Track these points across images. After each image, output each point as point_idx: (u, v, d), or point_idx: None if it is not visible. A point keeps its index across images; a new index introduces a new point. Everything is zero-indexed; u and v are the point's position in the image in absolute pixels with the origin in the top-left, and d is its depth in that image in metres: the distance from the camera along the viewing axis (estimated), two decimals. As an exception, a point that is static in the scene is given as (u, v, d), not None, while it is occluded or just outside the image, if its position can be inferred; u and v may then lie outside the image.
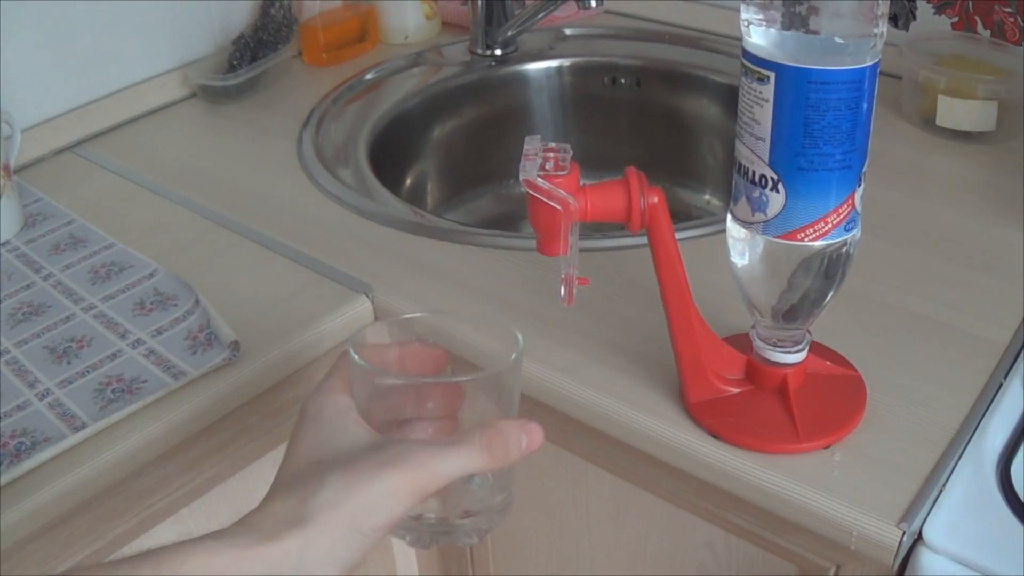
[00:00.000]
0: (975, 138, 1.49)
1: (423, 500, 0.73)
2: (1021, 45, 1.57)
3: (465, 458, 0.73)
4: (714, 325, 0.99)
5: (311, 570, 0.69)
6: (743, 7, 0.83)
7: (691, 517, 1.12)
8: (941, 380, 1.05)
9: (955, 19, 1.62)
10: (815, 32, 0.80)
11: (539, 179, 0.85)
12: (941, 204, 1.35)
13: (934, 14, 1.64)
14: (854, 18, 0.80)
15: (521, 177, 0.85)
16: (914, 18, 1.64)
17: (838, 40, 0.80)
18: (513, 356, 0.80)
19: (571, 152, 0.88)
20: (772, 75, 0.82)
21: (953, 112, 1.48)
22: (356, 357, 0.78)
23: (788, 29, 0.81)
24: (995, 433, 0.99)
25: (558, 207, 0.86)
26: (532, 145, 0.88)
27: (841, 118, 0.81)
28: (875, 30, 0.80)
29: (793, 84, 0.81)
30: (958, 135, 1.49)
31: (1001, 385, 1.04)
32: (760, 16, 0.82)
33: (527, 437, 0.77)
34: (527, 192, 0.86)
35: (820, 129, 0.81)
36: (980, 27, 1.61)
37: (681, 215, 1.80)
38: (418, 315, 0.87)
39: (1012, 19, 1.57)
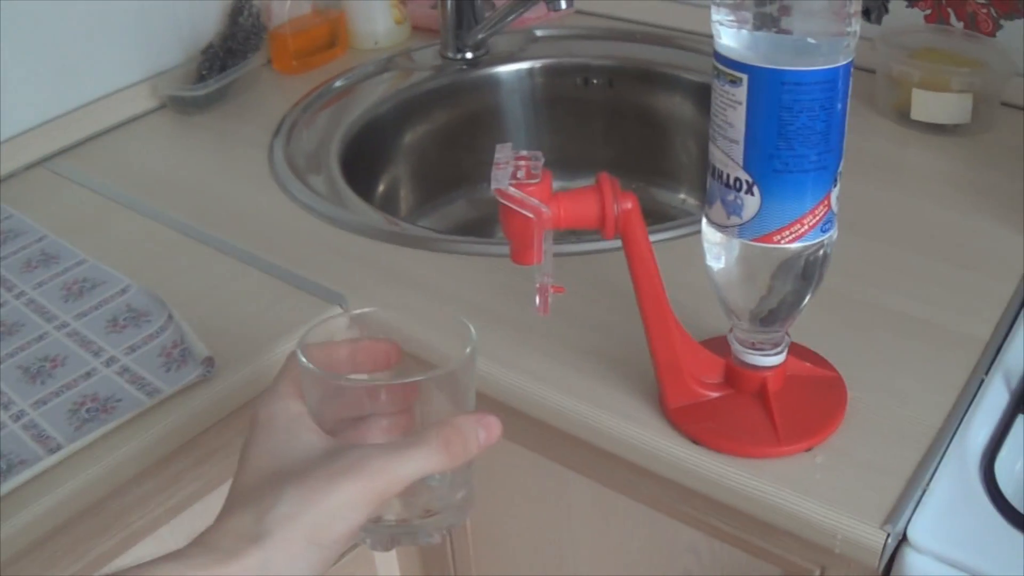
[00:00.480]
0: (950, 131, 1.49)
1: (382, 505, 0.72)
2: (995, 36, 1.57)
3: (423, 459, 0.72)
4: (691, 328, 0.99)
5: None
6: (713, 8, 0.82)
7: (673, 522, 1.11)
8: (922, 378, 1.05)
9: (928, 11, 1.62)
10: (787, 32, 0.80)
11: (511, 188, 0.85)
12: (917, 198, 1.34)
13: (907, 7, 1.64)
14: (826, 17, 0.79)
15: (492, 186, 0.84)
16: (886, 11, 1.64)
17: (810, 40, 0.80)
18: (467, 351, 0.78)
19: (543, 160, 0.88)
20: (745, 77, 0.81)
21: (928, 105, 1.48)
22: (305, 360, 0.76)
23: (759, 29, 0.80)
24: (978, 430, 0.99)
25: (531, 216, 0.86)
26: (503, 153, 0.87)
27: (815, 119, 0.81)
28: (848, 29, 0.80)
29: (766, 86, 0.80)
30: (933, 128, 1.49)
31: (983, 381, 1.04)
32: (731, 17, 0.81)
33: (484, 431, 0.75)
34: (499, 201, 0.85)
35: (794, 131, 0.81)
36: (953, 19, 1.60)
37: (656, 215, 1.80)
38: (367, 310, 0.86)
39: (985, 10, 1.56)
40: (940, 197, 1.34)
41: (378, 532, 0.79)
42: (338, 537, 0.69)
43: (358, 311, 0.86)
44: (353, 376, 0.83)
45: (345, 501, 0.69)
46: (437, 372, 0.78)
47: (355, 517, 0.70)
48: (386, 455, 0.71)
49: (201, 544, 0.69)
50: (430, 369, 0.78)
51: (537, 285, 0.87)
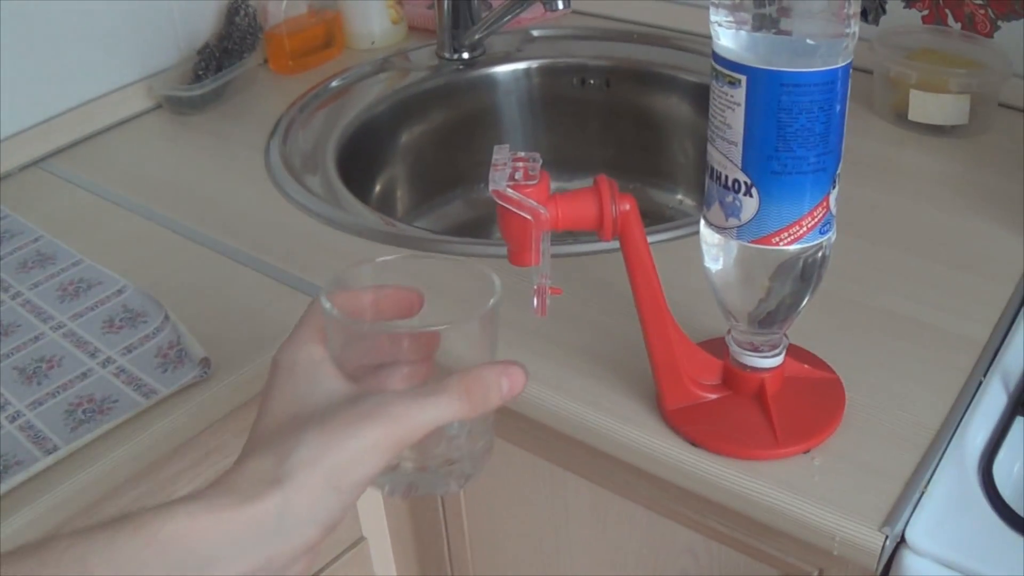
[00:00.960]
0: (948, 132, 1.48)
1: (402, 452, 0.72)
2: (992, 37, 1.57)
3: (443, 407, 0.72)
4: (689, 329, 0.99)
5: (290, 530, 0.67)
6: (712, 9, 0.82)
7: (671, 524, 1.11)
8: (920, 380, 1.05)
9: (925, 12, 1.62)
10: (786, 33, 0.79)
11: (508, 190, 0.84)
12: (915, 199, 1.34)
13: (904, 7, 1.63)
14: (825, 18, 0.79)
15: (490, 188, 0.83)
16: (884, 12, 1.64)
17: (809, 41, 0.79)
18: (491, 302, 0.78)
19: (540, 161, 0.87)
20: (743, 78, 0.81)
21: (925, 106, 1.48)
22: (329, 307, 0.76)
23: (758, 31, 0.80)
24: (976, 432, 0.99)
25: (529, 217, 0.85)
26: (501, 155, 0.87)
27: (814, 120, 0.80)
28: (847, 30, 0.79)
29: (765, 87, 0.80)
30: (931, 129, 1.49)
31: (981, 383, 1.04)
32: (730, 18, 0.81)
33: (507, 381, 0.75)
34: (497, 203, 0.85)
35: (793, 132, 0.81)
36: (951, 20, 1.60)
37: (653, 215, 1.79)
38: (392, 258, 0.85)
39: (983, 11, 1.56)
40: (937, 199, 1.34)
41: (397, 479, 0.79)
42: (357, 482, 0.69)
43: (382, 259, 0.84)
44: (376, 323, 0.83)
45: (365, 446, 0.68)
46: (460, 321, 0.78)
47: (374, 462, 0.69)
48: (407, 402, 0.70)
49: (220, 485, 0.68)
50: (453, 318, 0.78)
51: (535, 287, 0.87)
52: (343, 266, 0.80)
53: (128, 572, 0.63)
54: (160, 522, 0.64)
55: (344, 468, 0.68)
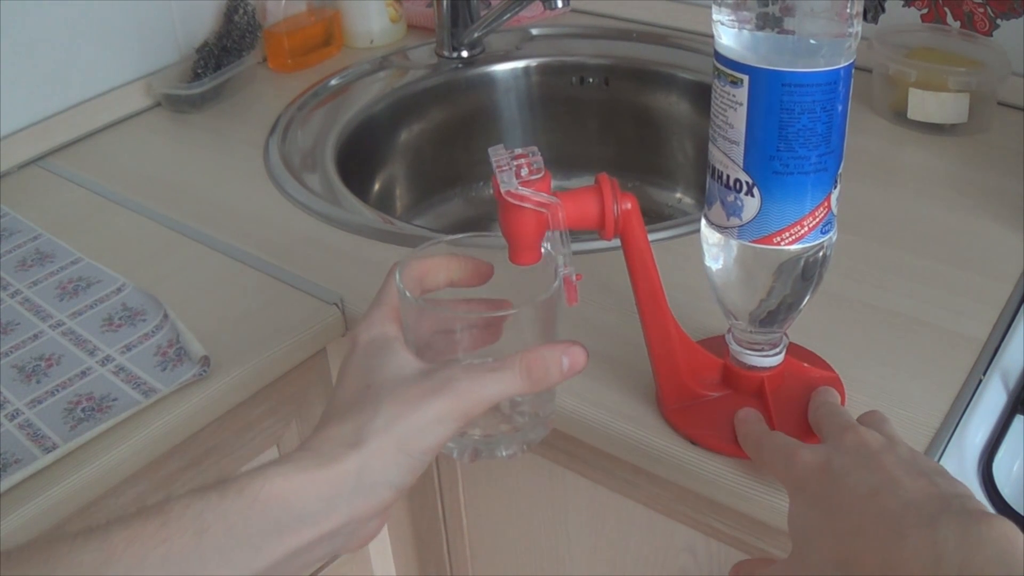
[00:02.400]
0: (947, 130, 1.49)
1: (468, 423, 0.79)
2: (991, 36, 1.57)
3: (506, 383, 0.79)
4: (688, 328, 0.99)
5: (368, 490, 0.75)
6: (715, 8, 0.82)
7: (670, 522, 1.11)
8: (919, 378, 1.05)
9: (924, 11, 1.62)
10: (789, 32, 0.79)
11: (521, 188, 0.84)
12: (914, 198, 1.34)
13: (903, 6, 1.64)
14: (828, 18, 0.79)
15: (503, 190, 0.83)
16: (883, 10, 1.64)
17: (812, 41, 0.79)
18: (556, 283, 0.84)
19: (540, 154, 0.87)
20: (745, 78, 0.81)
21: (925, 105, 1.48)
22: (408, 294, 0.84)
23: (761, 30, 0.80)
24: (976, 430, 0.99)
25: (546, 212, 0.85)
26: (500, 156, 0.86)
27: (816, 120, 0.80)
28: (850, 30, 0.79)
29: (767, 87, 0.80)
30: (930, 128, 1.49)
31: (980, 381, 1.04)
32: (732, 17, 0.81)
33: (568, 359, 0.81)
34: (509, 202, 0.84)
35: (795, 132, 0.80)
36: (950, 18, 1.60)
37: (652, 214, 1.80)
38: (463, 235, 0.91)
39: (982, 9, 1.56)
40: (937, 197, 1.34)
41: (464, 444, 0.88)
42: (426, 448, 0.77)
43: (453, 236, 0.90)
44: (447, 301, 0.91)
45: (434, 416, 0.76)
46: (526, 306, 0.84)
47: (442, 431, 0.77)
48: (473, 377, 0.78)
49: (306, 449, 0.76)
50: (518, 294, 0.87)
51: (563, 277, 0.87)
52: (418, 248, 0.88)
53: (238, 528, 0.71)
54: (260, 483, 0.72)
55: (414, 435, 0.76)
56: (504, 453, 0.88)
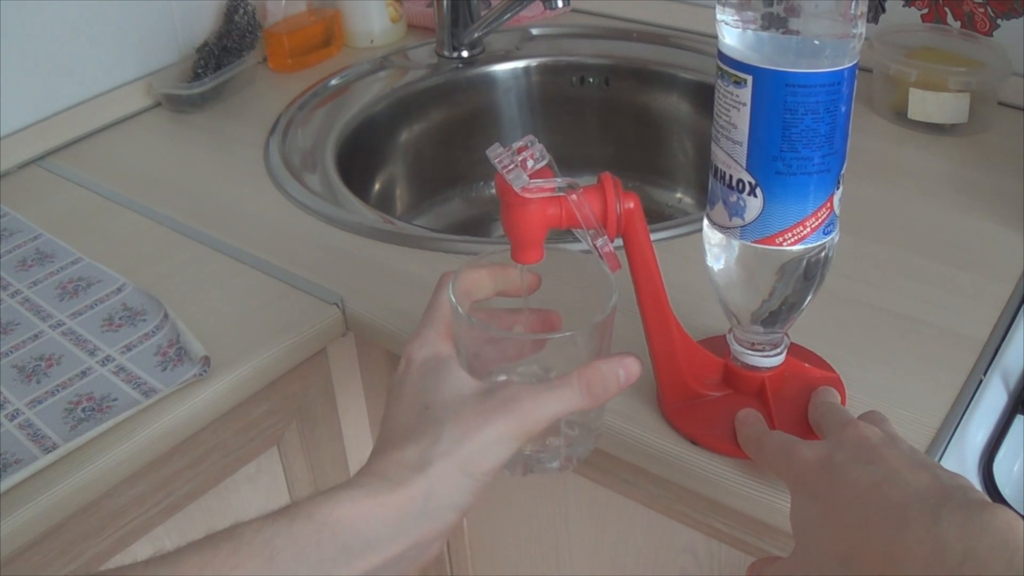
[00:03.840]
0: (948, 130, 1.49)
1: (528, 441, 0.79)
2: (992, 36, 1.57)
3: (567, 400, 0.79)
4: (689, 327, 0.98)
5: (434, 514, 0.75)
6: (719, 8, 0.82)
7: (671, 522, 1.11)
8: (920, 378, 1.05)
9: (924, 10, 1.62)
10: (794, 33, 0.79)
11: (533, 181, 0.83)
12: (915, 198, 1.34)
13: (903, 6, 1.64)
14: (832, 18, 0.79)
15: (516, 188, 0.82)
16: (883, 10, 1.64)
17: (816, 42, 0.79)
18: (611, 302, 0.84)
19: (537, 141, 0.86)
20: (749, 78, 0.80)
21: (925, 105, 1.48)
22: (461, 310, 0.84)
23: (766, 30, 0.80)
24: (976, 430, 0.99)
25: (565, 195, 0.85)
26: (502, 155, 0.85)
27: (819, 121, 0.80)
28: (854, 31, 0.79)
29: (771, 87, 0.80)
30: (931, 128, 1.49)
31: (981, 381, 1.04)
32: (736, 17, 0.81)
33: (624, 372, 0.82)
34: (514, 201, 0.84)
35: (798, 133, 0.80)
36: (950, 18, 1.60)
37: (653, 214, 1.80)
38: (502, 249, 0.91)
39: (982, 9, 1.56)
40: (937, 197, 1.34)
41: (515, 460, 0.87)
42: (488, 469, 0.77)
43: (504, 247, 0.90)
44: (498, 312, 0.92)
45: (496, 437, 0.77)
46: (584, 328, 0.84)
47: (504, 452, 0.77)
48: (533, 396, 0.78)
49: (371, 474, 0.76)
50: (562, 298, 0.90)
51: (600, 250, 0.87)
52: (463, 267, 0.88)
53: (308, 553, 0.71)
54: (329, 508, 0.73)
55: (477, 457, 0.76)
56: (555, 466, 0.89)
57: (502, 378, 0.90)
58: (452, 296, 0.84)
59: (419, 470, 0.75)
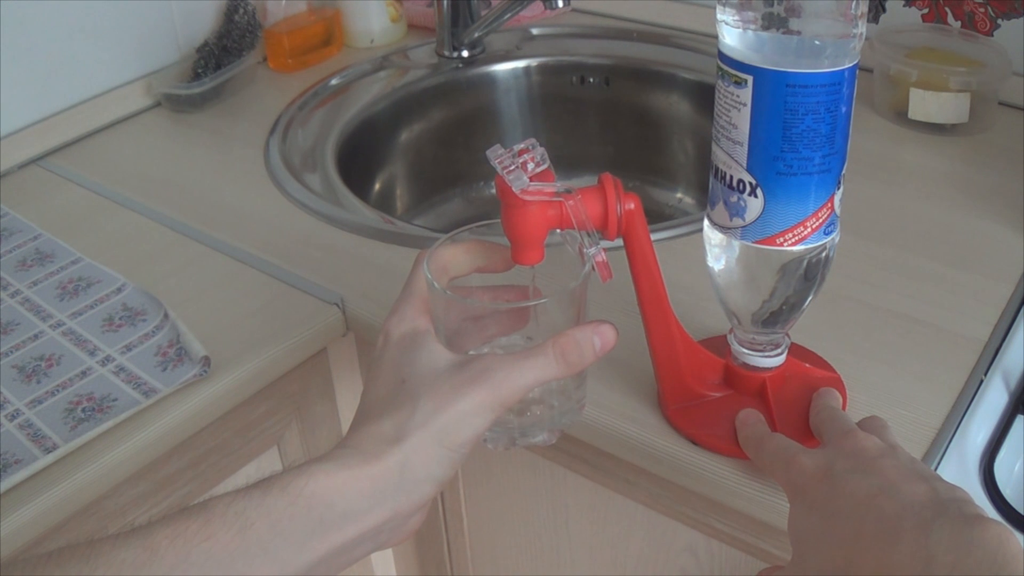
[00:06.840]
0: (948, 130, 1.48)
1: (504, 411, 0.79)
2: (992, 36, 1.57)
3: (542, 368, 0.79)
4: (689, 328, 0.98)
5: (410, 486, 0.76)
6: (719, 8, 0.81)
7: (672, 522, 1.11)
8: (921, 378, 1.05)
9: (925, 10, 1.62)
10: (795, 33, 0.79)
11: (534, 184, 0.83)
12: (915, 198, 1.34)
13: (904, 6, 1.63)
14: (832, 18, 0.79)
15: (516, 190, 0.82)
16: (883, 10, 1.64)
17: (816, 42, 0.79)
18: (586, 268, 0.84)
19: (537, 143, 0.86)
20: (749, 79, 0.80)
21: (925, 105, 1.48)
22: (437, 285, 0.84)
23: (767, 30, 0.80)
24: (977, 430, 0.99)
25: (563, 200, 0.85)
26: (503, 156, 0.85)
27: (820, 121, 0.80)
28: (854, 31, 0.79)
29: (771, 88, 0.80)
30: (931, 128, 1.49)
31: (982, 382, 1.04)
32: (737, 17, 0.81)
33: (599, 339, 0.82)
34: (515, 202, 0.84)
35: (799, 133, 0.80)
36: (950, 18, 1.60)
37: (653, 214, 1.79)
38: (490, 222, 0.91)
39: (982, 9, 1.56)
40: (938, 197, 1.34)
41: (498, 434, 0.88)
42: (464, 441, 0.77)
43: (481, 223, 0.91)
44: (475, 289, 0.91)
45: (471, 408, 0.77)
46: (557, 294, 0.85)
47: (480, 423, 0.78)
48: (507, 366, 0.78)
49: (347, 447, 0.77)
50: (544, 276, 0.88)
51: (594, 260, 0.86)
52: (441, 239, 0.88)
53: (282, 525, 0.71)
54: (303, 480, 0.73)
55: (453, 429, 0.77)
56: (539, 438, 0.89)
57: (485, 350, 0.90)
58: (427, 271, 0.84)
59: (395, 442, 0.75)
